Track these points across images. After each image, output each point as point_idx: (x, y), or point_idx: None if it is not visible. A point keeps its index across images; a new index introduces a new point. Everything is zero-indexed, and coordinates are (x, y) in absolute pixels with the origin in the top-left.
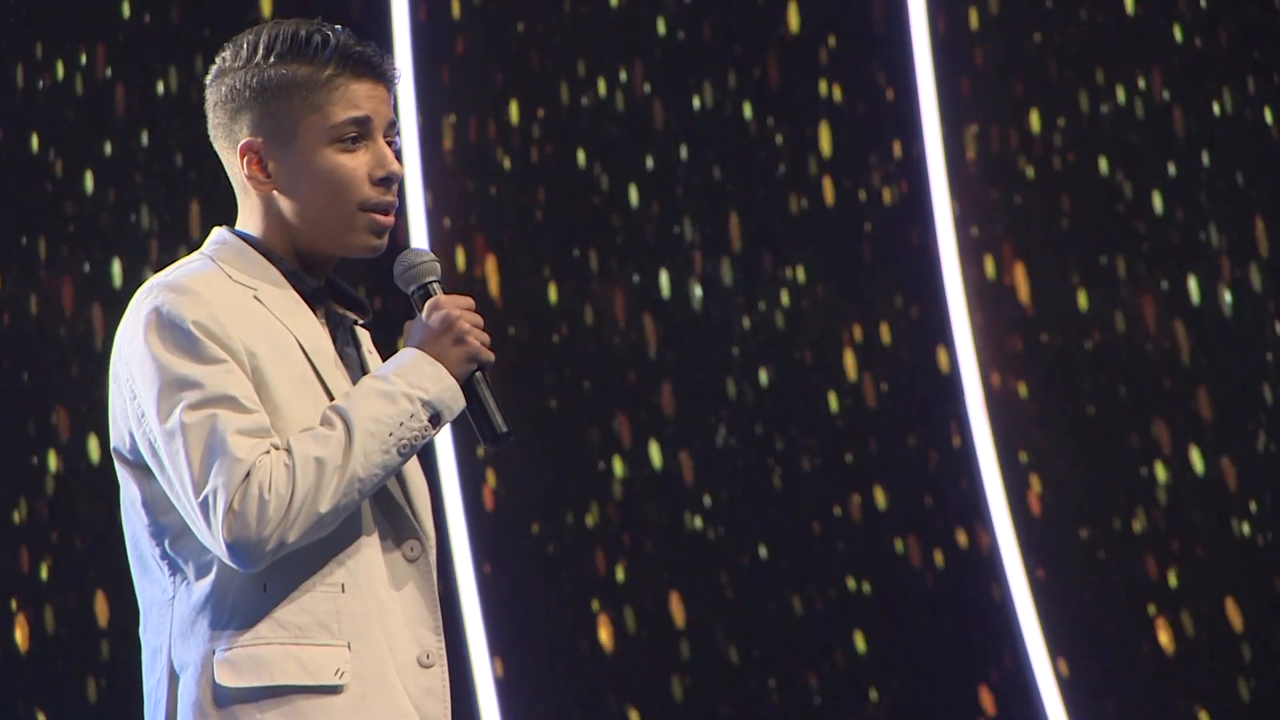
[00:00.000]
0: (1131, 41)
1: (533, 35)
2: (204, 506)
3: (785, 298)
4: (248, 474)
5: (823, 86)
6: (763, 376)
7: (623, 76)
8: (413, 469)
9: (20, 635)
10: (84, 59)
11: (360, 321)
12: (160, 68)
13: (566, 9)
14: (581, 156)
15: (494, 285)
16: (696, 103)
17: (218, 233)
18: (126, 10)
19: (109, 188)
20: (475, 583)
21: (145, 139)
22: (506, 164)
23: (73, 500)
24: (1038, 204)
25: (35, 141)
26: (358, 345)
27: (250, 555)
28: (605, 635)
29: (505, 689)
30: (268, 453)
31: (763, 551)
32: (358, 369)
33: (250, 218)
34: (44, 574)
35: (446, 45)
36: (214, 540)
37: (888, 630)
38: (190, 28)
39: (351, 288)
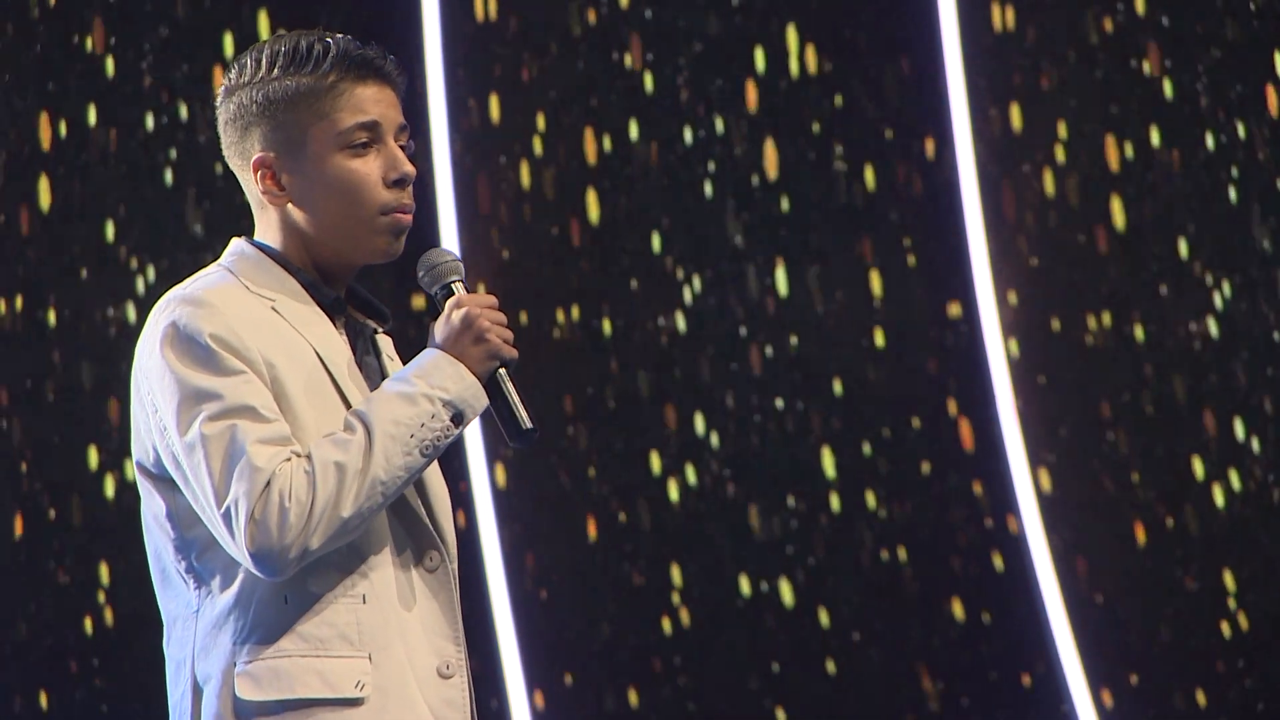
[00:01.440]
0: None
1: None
2: (226, 517)
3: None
4: (268, 482)
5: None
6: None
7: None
8: (434, 479)
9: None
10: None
11: (381, 329)
12: None
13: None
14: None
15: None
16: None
17: (236, 244)
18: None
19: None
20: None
21: None
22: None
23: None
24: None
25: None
26: (378, 353)
27: (274, 563)
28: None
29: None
30: (288, 460)
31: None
32: (378, 377)
33: (268, 231)
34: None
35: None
36: (238, 550)
37: None
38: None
39: (373, 295)
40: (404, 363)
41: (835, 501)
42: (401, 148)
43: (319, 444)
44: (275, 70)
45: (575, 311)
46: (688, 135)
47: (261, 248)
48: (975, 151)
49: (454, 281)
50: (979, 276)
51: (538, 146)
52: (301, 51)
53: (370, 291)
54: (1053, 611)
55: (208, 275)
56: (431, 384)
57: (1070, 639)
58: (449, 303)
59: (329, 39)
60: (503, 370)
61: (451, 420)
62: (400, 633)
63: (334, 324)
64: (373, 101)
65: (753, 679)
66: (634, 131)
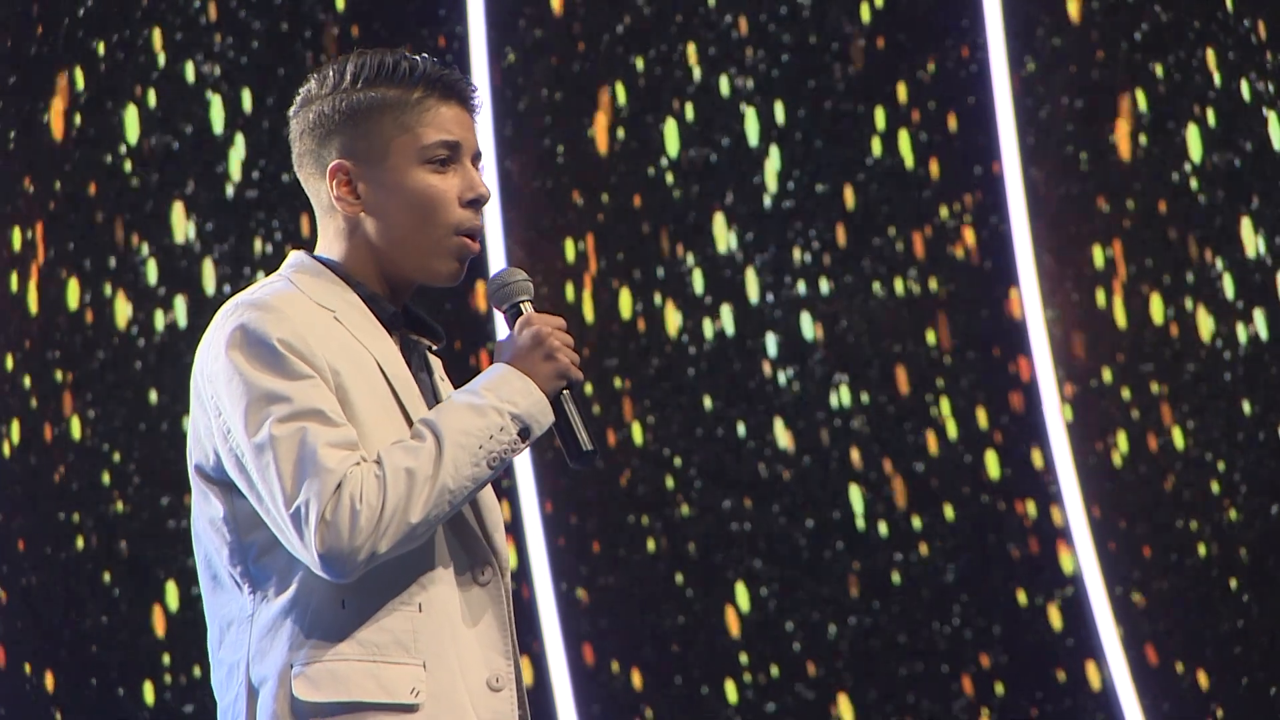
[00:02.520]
0: None
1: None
2: (296, 518)
3: None
4: (339, 485)
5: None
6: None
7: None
8: (487, 494)
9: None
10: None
11: (434, 348)
12: None
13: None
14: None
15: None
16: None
17: (295, 256)
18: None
19: None
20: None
21: None
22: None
23: None
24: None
25: None
26: (430, 371)
27: (343, 566)
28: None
29: None
30: (358, 464)
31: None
32: (431, 395)
33: (334, 242)
34: None
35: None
36: (306, 552)
37: None
38: None
39: (427, 315)
40: (454, 385)
41: None
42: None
43: (389, 449)
44: (360, 81)
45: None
46: None
47: (322, 260)
48: None
49: (523, 300)
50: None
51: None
52: (388, 66)
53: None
54: None
55: (270, 284)
56: (501, 397)
57: None
58: (519, 321)
59: (415, 57)
60: (567, 391)
61: (519, 434)
62: (454, 643)
63: (391, 338)
64: (455, 122)
65: None
66: None
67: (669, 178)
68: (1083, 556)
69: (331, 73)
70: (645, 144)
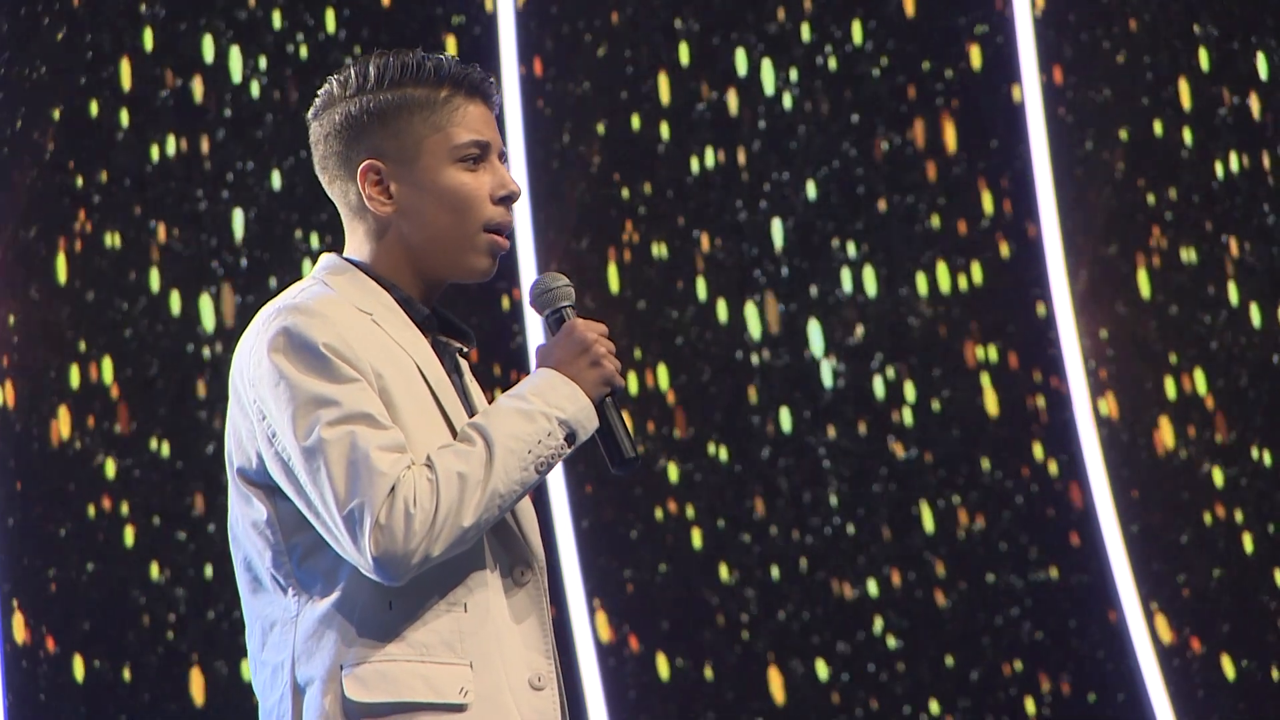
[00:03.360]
0: None
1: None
2: (349, 521)
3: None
4: (392, 488)
5: None
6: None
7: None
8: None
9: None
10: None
11: (464, 350)
12: None
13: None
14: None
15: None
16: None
17: (327, 259)
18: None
19: None
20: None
21: None
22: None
23: None
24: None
25: None
26: (460, 374)
27: (396, 569)
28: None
29: None
30: (409, 468)
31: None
32: (462, 396)
33: (364, 243)
34: None
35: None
36: (358, 555)
37: None
38: None
39: (456, 317)
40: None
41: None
42: None
43: (440, 453)
44: (386, 82)
45: None
46: None
47: (353, 263)
48: None
49: (565, 307)
50: None
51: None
52: (412, 66)
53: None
54: None
55: (308, 288)
56: (548, 402)
57: None
58: (564, 326)
59: (438, 57)
60: (610, 397)
61: (565, 439)
62: (497, 643)
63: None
64: (482, 120)
65: None
66: None
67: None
68: None
69: (354, 74)
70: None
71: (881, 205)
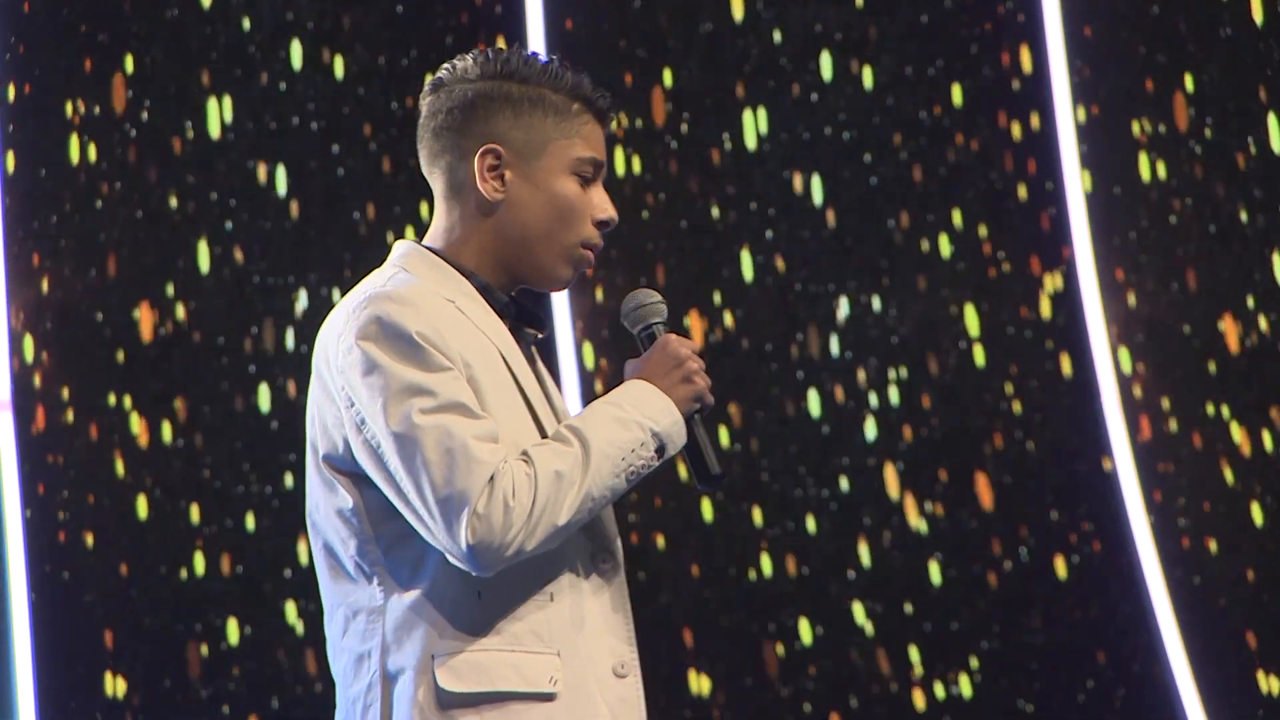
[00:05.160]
0: None
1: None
2: (445, 507)
3: None
4: (491, 478)
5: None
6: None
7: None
8: None
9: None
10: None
11: (539, 337)
12: None
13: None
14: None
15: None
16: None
17: (403, 245)
18: None
19: None
20: None
21: None
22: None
23: None
24: None
25: None
26: (535, 361)
27: (490, 559)
28: None
29: None
30: (507, 460)
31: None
32: (539, 386)
33: (453, 228)
34: None
35: None
36: (451, 542)
37: None
38: None
39: (531, 304)
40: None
41: None
42: None
43: (537, 450)
44: (526, 74)
45: None
46: None
47: (430, 250)
48: None
49: (658, 323)
50: None
51: None
52: (553, 70)
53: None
54: None
55: (393, 276)
56: (644, 414)
57: None
58: (658, 341)
59: (576, 71)
60: (699, 414)
61: (656, 451)
62: (581, 632)
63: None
64: (601, 143)
65: None
66: None
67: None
68: None
69: (493, 58)
70: None
71: None
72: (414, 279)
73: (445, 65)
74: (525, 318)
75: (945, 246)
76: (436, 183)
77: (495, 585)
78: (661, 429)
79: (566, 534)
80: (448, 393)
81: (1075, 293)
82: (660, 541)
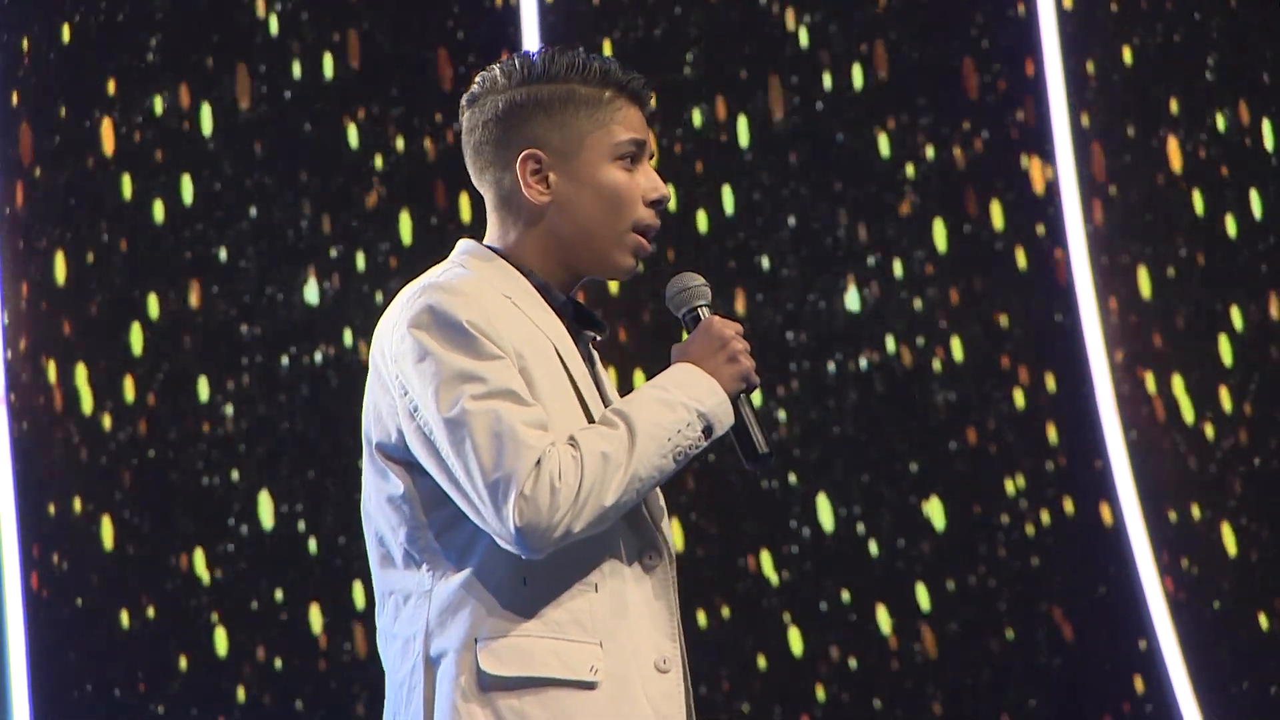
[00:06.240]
0: None
1: None
2: (494, 491)
3: None
4: (538, 461)
5: None
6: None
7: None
8: None
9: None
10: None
11: (597, 339)
12: None
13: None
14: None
15: None
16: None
17: (466, 244)
18: None
19: None
20: None
21: None
22: None
23: None
24: None
25: None
26: (593, 362)
27: (538, 541)
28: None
29: None
30: (554, 444)
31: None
32: (594, 384)
33: (508, 231)
34: None
35: None
36: (500, 525)
37: None
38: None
39: (588, 307)
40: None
41: None
42: None
43: (583, 433)
44: (550, 76)
45: None
46: None
47: (492, 249)
48: None
49: (702, 305)
50: None
51: None
52: (579, 63)
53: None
54: None
55: (448, 269)
56: (689, 395)
57: None
58: (701, 324)
59: (603, 58)
60: (745, 394)
61: (703, 432)
62: (625, 624)
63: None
64: (639, 123)
65: None
66: None
67: None
68: None
69: (518, 65)
70: None
71: None
72: (470, 273)
73: (476, 78)
74: (584, 319)
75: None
76: (487, 195)
77: (541, 573)
78: (707, 409)
79: (616, 515)
80: (498, 380)
81: None
82: None
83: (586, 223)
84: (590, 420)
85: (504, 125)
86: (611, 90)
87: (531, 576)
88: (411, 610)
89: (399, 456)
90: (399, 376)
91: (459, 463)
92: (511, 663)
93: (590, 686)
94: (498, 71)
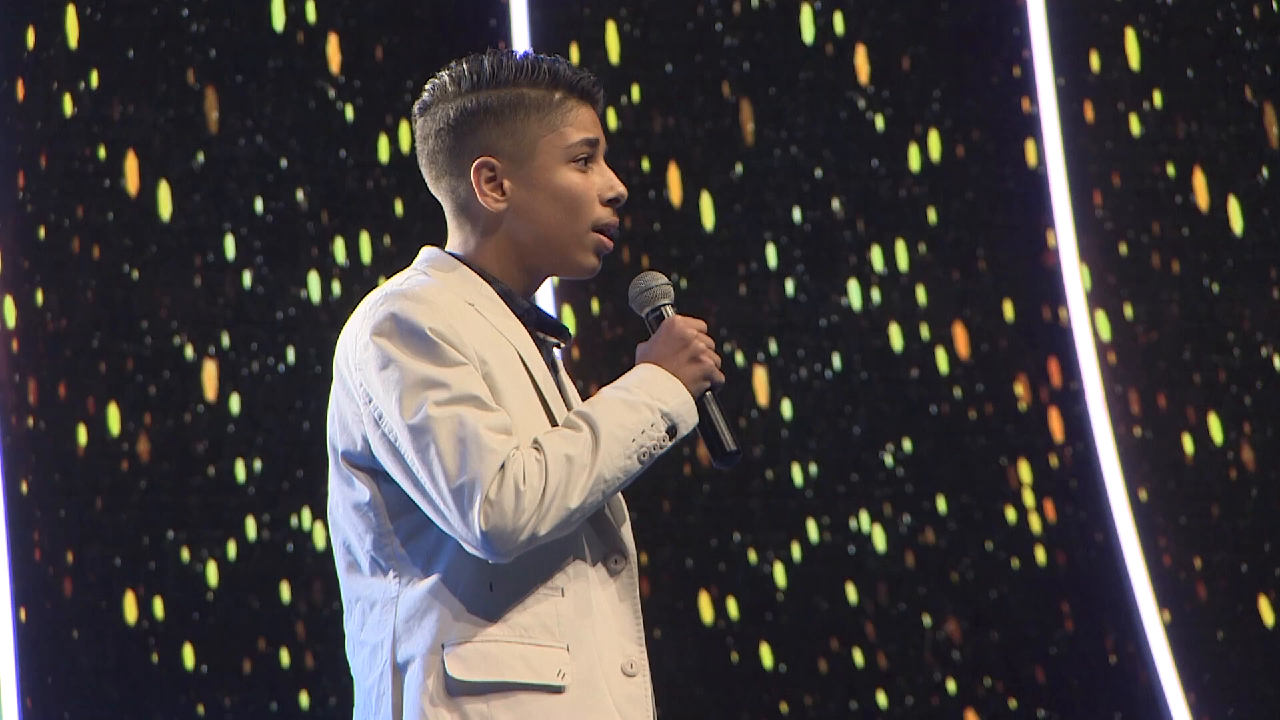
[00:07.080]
0: None
1: None
2: (459, 496)
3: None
4: (502, 466)
5: None
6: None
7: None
8: None
9: None
10: None
11: (560, 345)
12: None
13: None
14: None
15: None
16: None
17: (428, 252)
18: None
19: None
20: None
21: None
22: None
23: None
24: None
25: None
26: (557, 369)
27: (504, 545)
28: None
29: None
30: (518, 448)
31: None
32: (557, 389)
33: (468, 239)
34: None
35: None
36: (466, 530)
37: None
38: None
39: (551, 314)
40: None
41: None
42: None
43: (547, 436)
44: (499, 81)
45: None
46: None
47: (455, 256)
48: None
49: (665, 304)
50: None
51: None
52: (527, 67)
53: None
54: None
55: (411, 278)
56: (652, 395)
57: None
58: (664, 324)
59: (551, 59)
60: (710, 392)
61: (667, 432)
62: (591, 629)
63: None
64: (592, 122)
65: None
66: None
67: None
68: None
69: (467, 72)
70: None
71: None
72: (433, 280)
73: (426, 86)
74: (547, 326)
75: None
76: (444, 202)
77: (507, 578)
78: (671, 409)
79: (581, 518)
80: (462, 386)
81: None
82: None
83: (545, 227)
84: (553, 424)
85: (455, 134)
86: (561, 91)
87: (497, 582)
88: (379, 617)
89: (364, 464)
90: (363, 384)
91: (424, 469)
92: (479, 668)
93: (558, 691)
94: (447, 79)
